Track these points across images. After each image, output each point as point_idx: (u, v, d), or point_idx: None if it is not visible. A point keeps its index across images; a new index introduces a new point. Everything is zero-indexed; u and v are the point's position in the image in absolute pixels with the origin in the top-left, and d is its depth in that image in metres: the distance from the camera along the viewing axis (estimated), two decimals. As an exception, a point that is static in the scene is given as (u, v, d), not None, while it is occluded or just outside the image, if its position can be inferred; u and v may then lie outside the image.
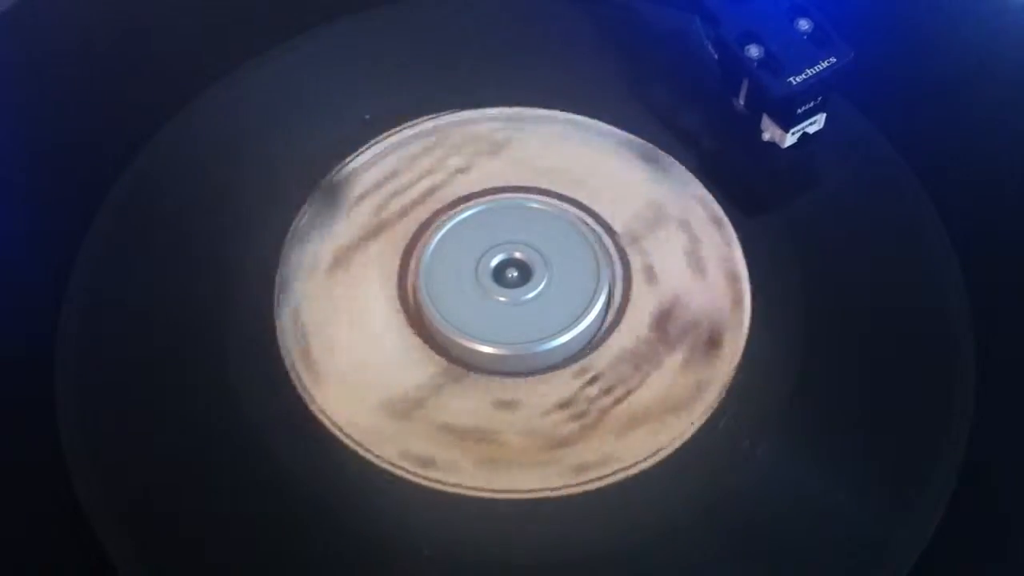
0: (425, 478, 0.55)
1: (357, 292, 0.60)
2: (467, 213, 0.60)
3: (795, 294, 0.59)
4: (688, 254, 0.60)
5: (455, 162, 0.63)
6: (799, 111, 0.61)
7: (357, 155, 0.64)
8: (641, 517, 0.55)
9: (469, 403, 0.57)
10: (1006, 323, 0.58)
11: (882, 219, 0.62)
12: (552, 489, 0.55)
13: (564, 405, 0.57)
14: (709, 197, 0.62)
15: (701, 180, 0.63)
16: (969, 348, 0.57)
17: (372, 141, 0.64)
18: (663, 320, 0.59)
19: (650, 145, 0.64)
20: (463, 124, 0.65)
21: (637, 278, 0.60)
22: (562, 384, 0.57)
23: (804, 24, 0.61)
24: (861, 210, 0.62)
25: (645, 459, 0.55)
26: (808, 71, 0.60)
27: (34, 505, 0.55)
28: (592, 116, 0.65)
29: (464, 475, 0.55)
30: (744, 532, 0.54)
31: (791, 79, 0.60)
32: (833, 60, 0.60)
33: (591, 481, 0.55)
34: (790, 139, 0.62)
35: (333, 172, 0.63)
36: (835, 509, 0.54)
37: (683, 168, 0.63)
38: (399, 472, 0.55)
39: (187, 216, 0.62)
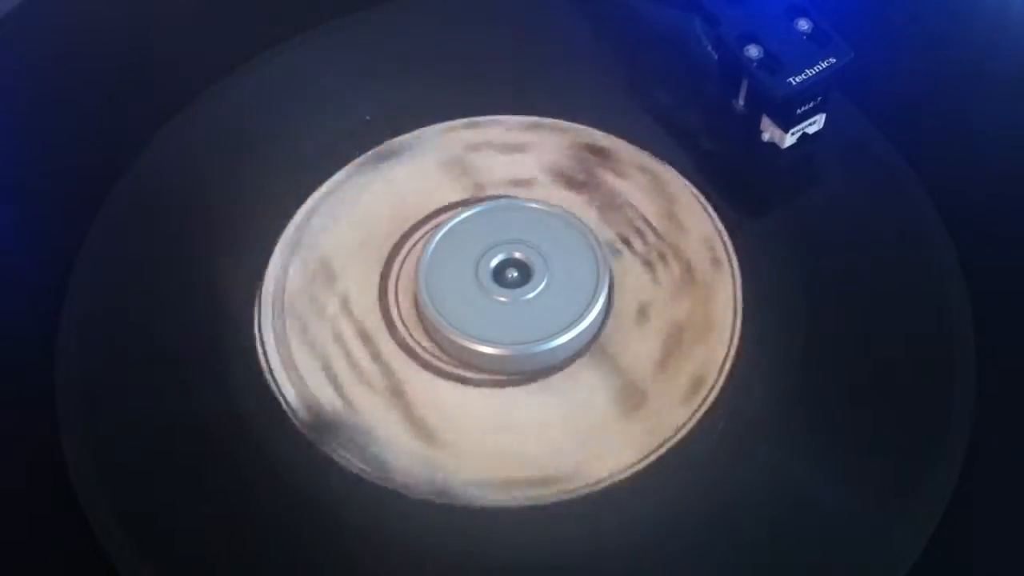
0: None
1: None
2: (467, 213, 0.60)
3: (795, 294, 0.59)
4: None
5: None
6: (798, 111, 0.61)
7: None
8: (640, 517, 0.55)
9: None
10: (1006, 323, 0.58)
11: (882, 219, 0.62)
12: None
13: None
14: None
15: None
16: (969, 348, 0.57)
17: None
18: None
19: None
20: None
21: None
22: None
23: (803, 24, 0.61)
24: (861, 210, 0.62)
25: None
26: (807, 71, 0.60)
27: (34, 505, 0.55)
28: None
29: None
30: (744, 532, 0.54)
31: (790, 79, 0.60)
32: (833, 60, 0.60)
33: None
34: (790, 139, 0.62)
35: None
36: (835, 509, 0.54)
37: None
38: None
39: (187, 216, 0.62)
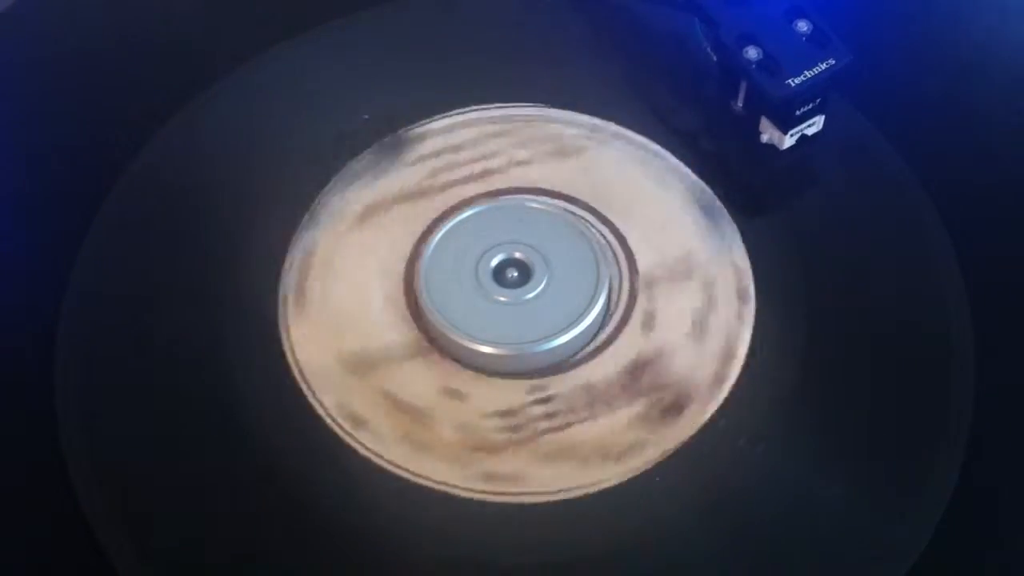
0: (349, 435, 0.56)
1: (371, 247, 0.61)
2: (467, 213, 0.60)
3: (795, 294, 0.59)
4: (695, 317, 0.60)
5: (519, 155, 0.64)
6: (798, 113, 0.61)
7: (435, 119, 0.64)
8: (640, 518, 0.55)
9: (421, 382, 0.57)
10: (1006, 323, 0.58)
11: (882, 219, 0.62)
12: (459, 488, 0.55)
13: (506, 414, 0.57)
14: (747, 267, 0.61)
15: (747, 247, 0.61)
16: (969, 348, 0.58)
17: (454, 111, 0.65)
18: (638, 370, 0.58)
19: (712, 196, 0.63)
20: (543, 121, 0.65)
21: (635, 320, 0.59)
22: (514, 393, 0.57)
23: (803, 26, 0.61)
24: (861, 210, 0.62)
25: (552, 492, 0.55)
26: (807, 73, 0.60)
27: (34, 505, 0.54)
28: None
29: (385, 446, 0.56)
30: (744, 532, 0.54)
31: (790, 81, 0.60)
32: (832, 62, 0.60)
33: (497, 493, 0.55)
34: (789, 141, 0.62)
35: (404, 128, 0.64)
36: (835, 509, 0.54)
37: (735, 230, 0.62)
38: (329, 423, 0.56)
39: (187, 216, 0.62)
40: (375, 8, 0.68)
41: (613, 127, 0.65)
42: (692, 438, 0.56)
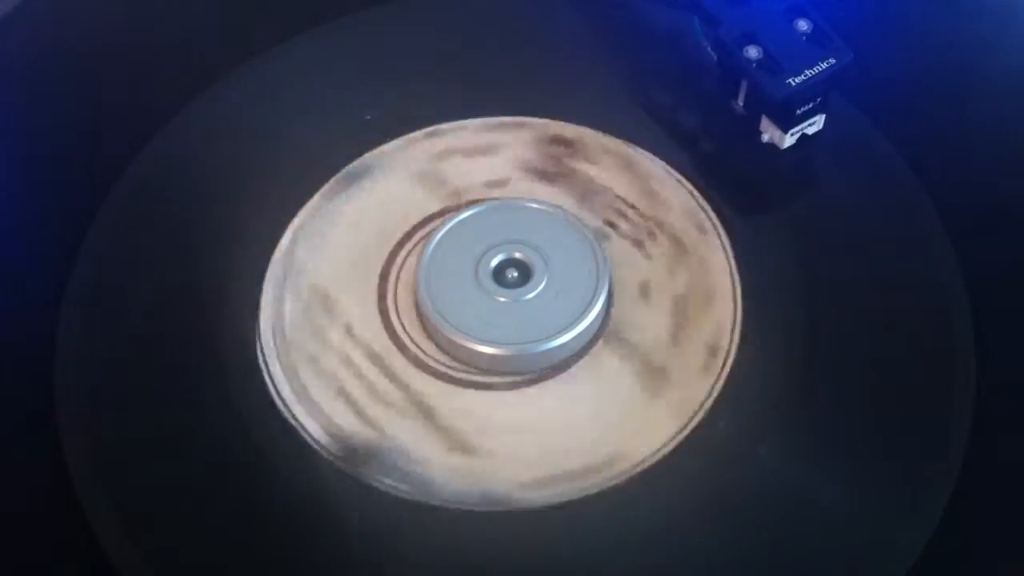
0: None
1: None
2: (467, 213, 0.60)
3: (795, 294, 0.59)
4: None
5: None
6: (798, 112, 0.61)
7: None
8: (640, 518, 0.55)
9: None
10: (1006, 323, 0.58)
11: (882, 219, 0.62)
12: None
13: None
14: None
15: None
16: (969, 348, 0.58)
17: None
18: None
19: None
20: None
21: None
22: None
23: (803, 25, 0.61)
24: (861, 210, 0.62)
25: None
26: (807, 72, 0.60)
27: (34, 505, 0.54)
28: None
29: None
30: (744, 532, 0.54)
31: (790, 80, 0.60)
32: (832, 61, 0.60)
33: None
34: (789, 140, 0.62)
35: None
36: (835, 509, 0.54)
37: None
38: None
39: (187, 216, 0.62)
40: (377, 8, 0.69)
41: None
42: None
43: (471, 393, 0.57)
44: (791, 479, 0.55)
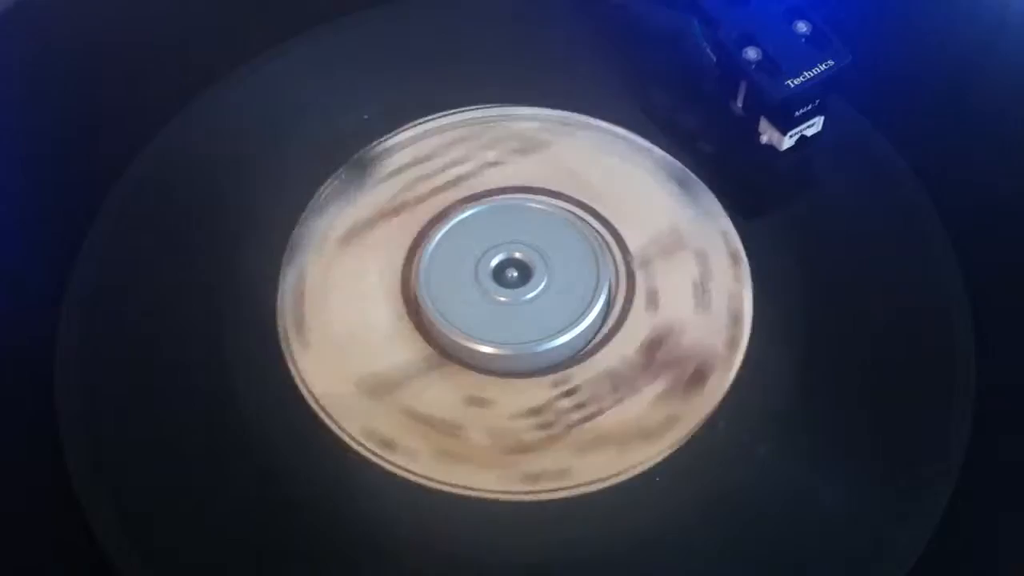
0: (382, 459, 0.55)
1: (362, 268, 0.60)
2: (467, 213, 0.60)
3: (795, 294, 0.59)
4: (696, 286, 0.60)
5: (489, 155, 0.63)
6: (797, 114, 0.61)
7: (395, 134, 0.64)
8: (640, 518, 0.55)
9: (443, 394, 0.57)
10: (1006, 322, 0.58)
11: (882, 219, 0.62)
12: (504, 492, 0.55)
13: (534, 412, 0.57)
14: (733, 232, 0.61)
15: (728, 213, 0.62)
16: (969, 348, 0.58)
17: (412, 123, 0.64)
18: (653, 347, 0.59)
19: (684, 169, 0.63)
20: (505, 120, 0.65)
21: (639, 300, 0.59)
22: (539, 390, 0.57)
23: (802, 26, 0.61)
24: (861, 210, 0.62)
25: (599, 480, 0.55)
26: (806, 74, 0.60)
27: (34, 505, 0.54)
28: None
29: (420, 463, 0.55)
30: (744, 532, 0.54)
31: (789, 82, 0.60)
32: (831, 63, 0.60)
33: (542, 491, 0.55)
34: (788, 142, 0.62)
35: (367, 147, 0.63)
36: (835, 509, 0.54)
37: (713, 198, 0.62)
38: (359, 449, 0.56)
39: (187, 216, 0.62)
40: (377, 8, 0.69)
41: (577, 117, 0.65)
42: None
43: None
44: (791, 479, 0.55)
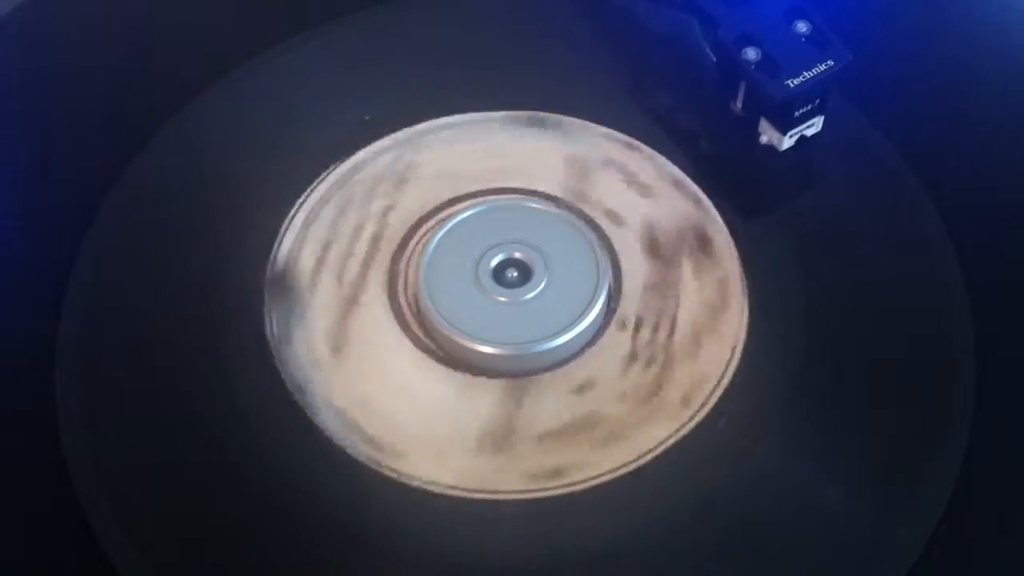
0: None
1: (370, 352, 0.59)
2: (467, 213, 0.60)
3: (795, 294, 0.59)
4: (631, 185, 0.62)
5: (378, 205, 0.62)
6: (797, 114, 0.61)
7: (282, 237, 0.62)
8: (640, 517, 0.55)
9: (550, 404, 0.57)
10: (1006, 323, 0.58)
11: (882, 219, 0.62)
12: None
13: (632, 358, 0.58)
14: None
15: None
16: (969, 348, 0.57)
17: (285, 225, 0.62)
18: (653, 246, 0.60)
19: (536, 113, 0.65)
20: (360, 168, 0.64)
21: (608, 228, 0.61)
22: (617, 340, 0.58)
23: (802, 26, 0.61)
24: (861, 210, 0.62)
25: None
26: (806, 74, 0.60)
27: (34, 505, 0.54)
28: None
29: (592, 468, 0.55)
30: (744, 532, 0.54)
31: (789, 82, 0.60)
32: (831, 63, 0.60)
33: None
34: (788, 142, 0.62)
35: (271, 265, 0.61)
36: (835, 509, 0.54)
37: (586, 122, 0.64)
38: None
39: (187, 216, 0.62)
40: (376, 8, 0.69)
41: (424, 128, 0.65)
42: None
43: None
44: (791, 479, 0.55)
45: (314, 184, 0.63)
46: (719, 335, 0.58)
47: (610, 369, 0.57)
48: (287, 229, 0.61)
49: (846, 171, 0.64)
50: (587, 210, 0.61)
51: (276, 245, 0.61)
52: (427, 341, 0.58)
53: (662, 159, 0.63)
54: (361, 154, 0.64)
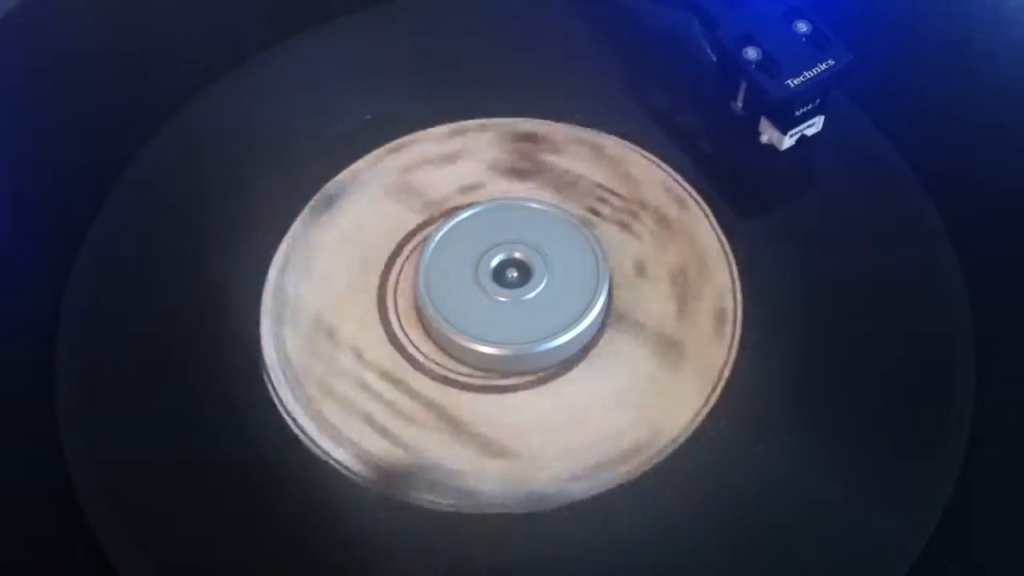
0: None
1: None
2: (467, 213, 0.60)
3: (795, 294, 0.59)
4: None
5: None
6: (797, 113, 0.61)
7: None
8: (640, 517, 0.55)
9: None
10: (1006, 323, 0.58)
11: (882, 219, 0.62)
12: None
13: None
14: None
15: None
16: (969, 348, 0.58)
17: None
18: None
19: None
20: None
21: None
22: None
23: (802, 26, 0.61)
24: (861, 210, 0.62)
25: None
26: (806, 73, 0.60)
27: (34, 505, 0.54)
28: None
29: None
30: (744, 532, 0.54)
31: (789, 82, 0.60)
32: (831, 63, 0.60)
33: None
34: (788, 141, 0.62)
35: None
36: (835, 509, 0.54)
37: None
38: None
39: (187, 216, 0.62)
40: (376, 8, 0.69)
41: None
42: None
43: (495, 398, 0.57)
44: (791, 479, 0.55)
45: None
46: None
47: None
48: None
49: (846, 171, 0.64)
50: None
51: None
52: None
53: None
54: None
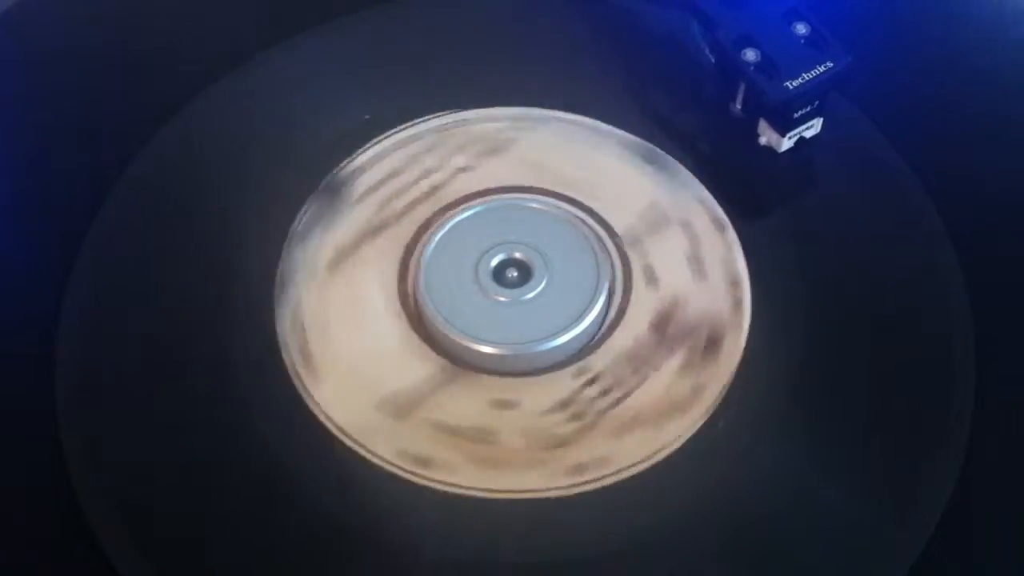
0: (422, 477, 0.55)
1: (357, 290, 0.60)
2: (467, 213, 0.60)
3: (795, 295, 0.59)
4: (689, 257, 0.60)
5: (458, 161, 0.63)
6: (795, 115, 0.61)
7: (360, 153, 0.63)
8: (641, 517, 0.55)
9: (467, 403, 0.57)
10: (1006, 323, 0.58)
11: (882, 219, 0.62)
12: (548, 489, 0.55)
13: (563, 405, 0.57)
14: (711, 199, 0.62)
15: (703, 182, 0.62)
16: (969, 348, 0.58)
17: (375, 139, 0.64)
18: (663, 322, 0.59)
19: (652, 146, 0.64)
20: (467, 123, 0.65)
21: (637, 279, 0.60)
22: (561, 384, 0.57)
23: (801, 28, 0.61)
24: (861, 210, 0.62)
25: (642, 461, 0.55)
26: (805, 75, 0.60)
27: (34, 505, 0.54)
28: (591, 117, 0.65)
29: (461, 475, 0.55)
30: (744, 532, 0.54)
31: (788, 83, 0.60)
32: (830, 65, 0.60)
33: (588, 482, 0.55)
34: (786, 143, 0.62)
35: (335, 170, 0.63)
36: (835, 509, 0.54)
37: (685, 170, 0.63)
38: (395, 471, 0.55)
39: (187, 216, 0.62)
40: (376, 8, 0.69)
41: (533, 111, 0.65)
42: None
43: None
44: (791, 478, 0.55)
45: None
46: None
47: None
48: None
49: (846, 171, 0.64)
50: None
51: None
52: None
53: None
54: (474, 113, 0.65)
